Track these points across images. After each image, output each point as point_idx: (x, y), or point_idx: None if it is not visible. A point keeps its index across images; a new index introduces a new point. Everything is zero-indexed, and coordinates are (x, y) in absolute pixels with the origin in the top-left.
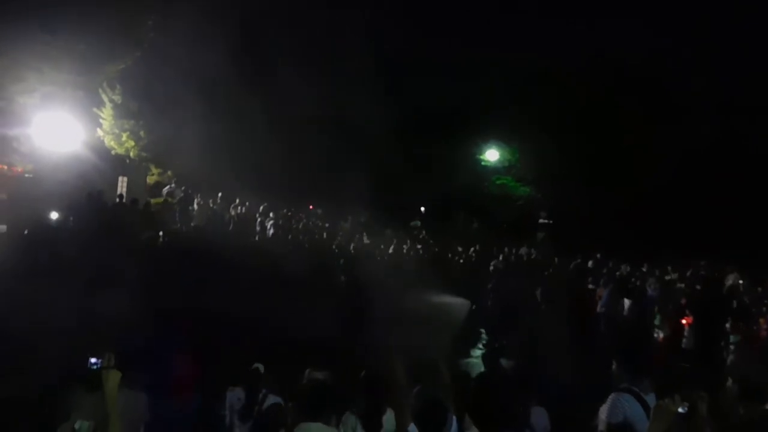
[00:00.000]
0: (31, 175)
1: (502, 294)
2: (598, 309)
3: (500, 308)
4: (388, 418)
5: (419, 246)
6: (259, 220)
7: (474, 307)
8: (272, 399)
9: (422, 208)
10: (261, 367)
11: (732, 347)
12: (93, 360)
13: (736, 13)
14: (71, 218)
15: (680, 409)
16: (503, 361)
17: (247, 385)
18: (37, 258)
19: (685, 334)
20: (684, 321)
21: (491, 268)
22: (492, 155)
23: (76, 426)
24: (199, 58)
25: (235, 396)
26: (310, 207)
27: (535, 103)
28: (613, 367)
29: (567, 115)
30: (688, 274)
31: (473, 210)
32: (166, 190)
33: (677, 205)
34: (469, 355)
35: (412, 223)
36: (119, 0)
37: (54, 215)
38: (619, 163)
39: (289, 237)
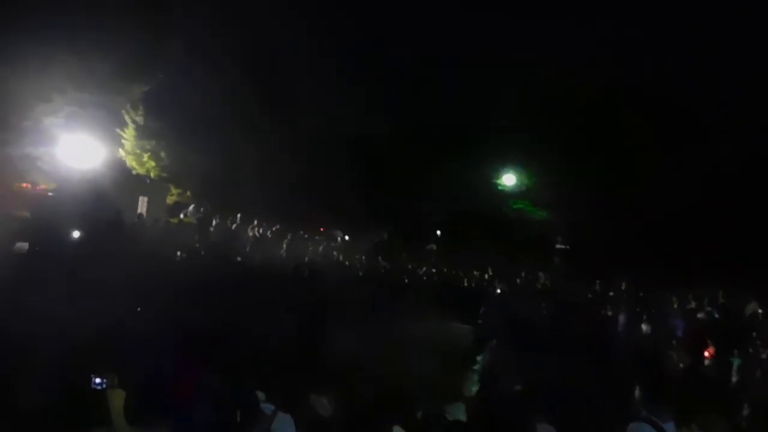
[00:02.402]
0: (53, 194)
1: (508, 317)
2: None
3: (506, 331)
4: None
5: (434, 270)
6: (274, 240)
7: (481, 330)
8: (281, 416)
9: (438, 232)
10: (262, 395)
11: (751, 375)
12: (98, 380)
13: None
14: (91, 237)
15: None
16: (508, 382)
17: (245, 408)
18: (57, 276)
19: (706, 363)
20: (706, 353)
21: (498, 291)
22: (509, 179)
23: None
24: (219, 80)
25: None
26: (321, 230)
27: (552, 126)
28: (636, 394)
29: (585, 137)
30: (708, 301)
31: (490, 234)
32: (189, 210)
33: (698, 228)
34: (473, 377)
35: (428, 247)
36: (144, 24)
37: (75, 234)
38: (639, 186)
39: (306, 259)
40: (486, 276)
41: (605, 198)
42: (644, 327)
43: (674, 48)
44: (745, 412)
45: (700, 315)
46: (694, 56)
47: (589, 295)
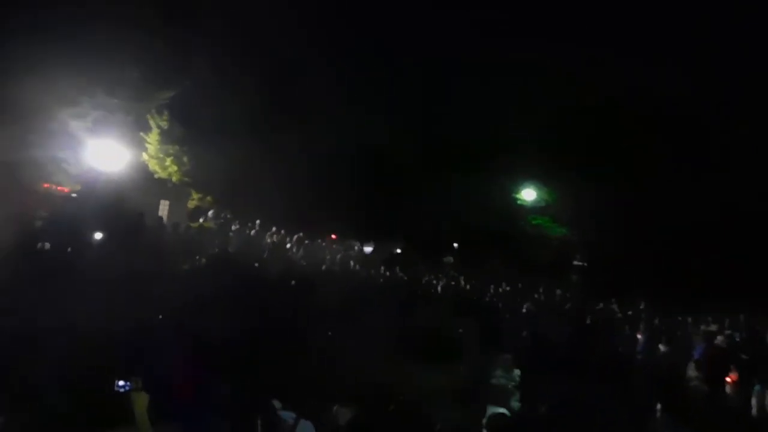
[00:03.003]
0: (76, 195)
1: (538, 338)
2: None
3: (536, 351)
4: None
5: (452, 282)
6: (292, 247)
7: (505, 347)
8: (303, 424)
9: (455, 245)
10: (278, 404)
11: None
12: (121, 383)
13: None
14: (112, 238)
15: None
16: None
17: (264, 420)
18: (78, 276)
19: (727, 388)
20: (728, 379)
21: (524, 310)
22: (528, 195)
23: None
24: (242, 89)
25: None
26: (333, 236)
27: (573, 143)
28: (657, 415)
29: (606, 155)
30: (728, 324)
31: (508, 249)
32: (210, 215)
33: (718, 249)
34: (500, 396)
35: (445, 259)
36: (172, 32)
37: (97, 236)
38: (659, 206)
39: (323, 268)
40: (500, 290)
41: (625, 216)
42: (662, 348)
43: (695, 66)
44: None
45: (720, 338)
46: (714, 75)
47: (615, 315)
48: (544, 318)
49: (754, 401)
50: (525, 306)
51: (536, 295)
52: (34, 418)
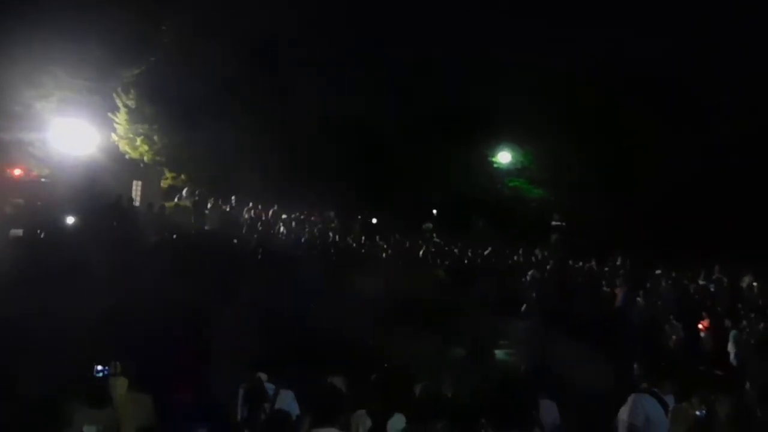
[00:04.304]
0: (46, 180)
1: (548, 305)
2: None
3: (546, 317)
4: (396, 421)
5: (433, 249)
6: (269, 222)
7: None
8: (284, 394)
9: (434, 211)
10: (264, 377)
11: (748, 350)
12: (99, 368)
13: (761, 13)
14: (89, 222)
15: (698, 413)
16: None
17: (249, 393)
18: (52, 262)
19: (702, 336)
20: (701, 325)
21: (528, 277)
22: (504, 157)
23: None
24: (212, 63)
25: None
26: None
27: (549, 104)
28: (635, 368)
29: (582, 115)
30: (703, 276)
31: (486, 213)
32: (184, 194)
33: (696, 206)
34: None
35: (424, 226)
36: (135, 7)
37: (70, 219)
38: (636, 165)
39: (303, 240)
40: (483, 253)
41: (602, 175)
42: (640, 301)
43: (672, 26)
44: (747, 388)
45: (695, 287)
46: (692, 34)
47: (596, 273)
48: (545, 282)
49: (731, 347)
50: (530, 273)
51: (516, 257)
52: (12, 405)
